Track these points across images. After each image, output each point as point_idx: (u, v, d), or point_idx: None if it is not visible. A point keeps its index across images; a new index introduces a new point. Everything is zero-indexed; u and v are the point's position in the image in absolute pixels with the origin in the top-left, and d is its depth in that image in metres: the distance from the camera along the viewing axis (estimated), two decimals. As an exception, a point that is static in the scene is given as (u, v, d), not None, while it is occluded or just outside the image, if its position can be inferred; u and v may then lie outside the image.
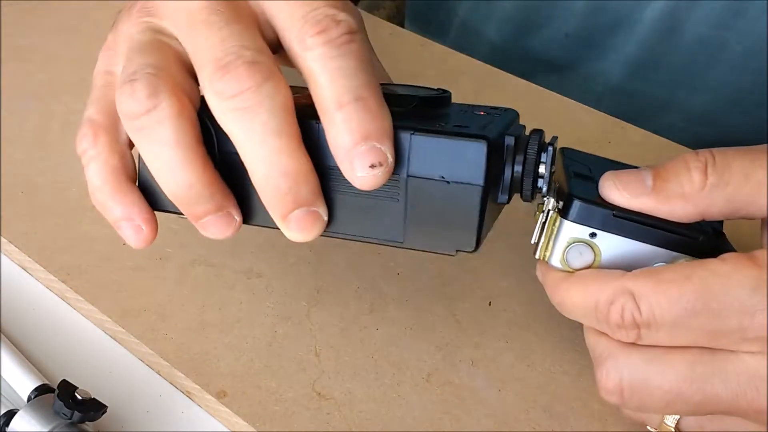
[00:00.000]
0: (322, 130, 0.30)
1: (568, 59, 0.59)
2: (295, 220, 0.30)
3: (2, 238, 0.40)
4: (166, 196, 0.32)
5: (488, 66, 0.56)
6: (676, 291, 0.27)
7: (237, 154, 0.30)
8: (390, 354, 0.36)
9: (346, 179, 0.29)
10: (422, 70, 0.54)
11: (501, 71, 0.55)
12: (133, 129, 0.30)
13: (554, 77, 0.60)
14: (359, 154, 0.28)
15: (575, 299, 0.30)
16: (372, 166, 0.28)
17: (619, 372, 0.29)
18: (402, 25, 0.66)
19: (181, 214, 0.32)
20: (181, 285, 0.38)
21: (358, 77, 0.28)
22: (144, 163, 0.32)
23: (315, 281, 0.39)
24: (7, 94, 0.48)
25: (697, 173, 0.29)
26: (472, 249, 0.31)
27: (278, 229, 0.31)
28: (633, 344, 0.29)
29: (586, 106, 0.52)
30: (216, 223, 0.31)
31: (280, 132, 0.29)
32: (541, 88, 0.54)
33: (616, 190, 0.30)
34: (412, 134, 0.30)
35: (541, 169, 0.31)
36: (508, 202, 0.32)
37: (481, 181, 0.30)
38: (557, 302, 0.32)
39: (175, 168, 0.30)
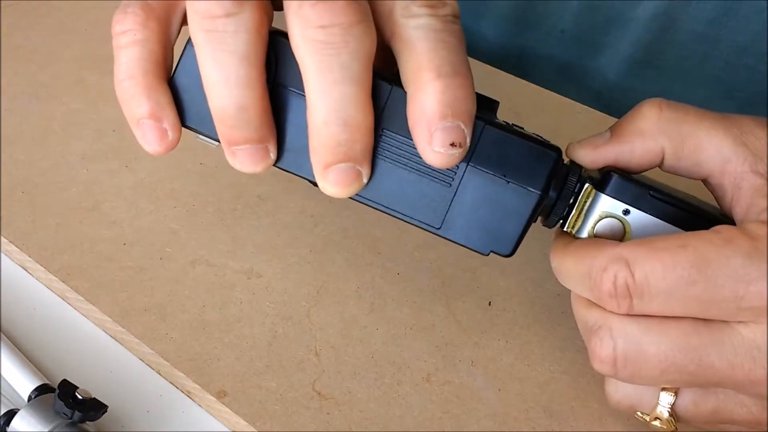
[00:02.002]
0: (393, 93, 0.29)
1: (564, 57, 0.60)
2: (335, 173, 0.28)
3: (3, 238, 0.40)
4: (200, 111, 0.30)
5: (487, 66, 0.56)
6: (671, 258, 0.27)
7: (290, 90, 0.29)
8: (390, 354, 0.36)
9: (398, 147, 0.29)
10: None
11: (500, 71, 0.55)
12: (203, 29, 0.28)
13: (551, 75, 0.60)
14: (443, 129, 0.27)
15: (569, 265, 0.30)
16: (452, 145, 0.27)
17: (614, 341, 0.28)
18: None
19: (204, 134, 0.31)
20: (181, 285, 0.38)
21: (460, 55, 0.28)
22: (182, 71, 0.30)
23: (315, 281, 0.39)
24: (8, 94, 0.48)
25: (653, 109, 0.30)
26: (508, 253, 0.32)
27: (305, 178, 0.30)
28: (626, 314, 0.28)
29: (586, 106, 0.53)
30: (251, 155, 0.30)
31: (356, 80, 0.27)
32: (541, 88, 0.54)
33: (580, 148, 0.31)
34: (484, 125, 0.30)
35: (572, 199, 0.31)
36: (534, 221, 0.32)
37: (540, 189, 0.30)
38: (554, 267, 0.31)
39: (235, 84, 0.28)
